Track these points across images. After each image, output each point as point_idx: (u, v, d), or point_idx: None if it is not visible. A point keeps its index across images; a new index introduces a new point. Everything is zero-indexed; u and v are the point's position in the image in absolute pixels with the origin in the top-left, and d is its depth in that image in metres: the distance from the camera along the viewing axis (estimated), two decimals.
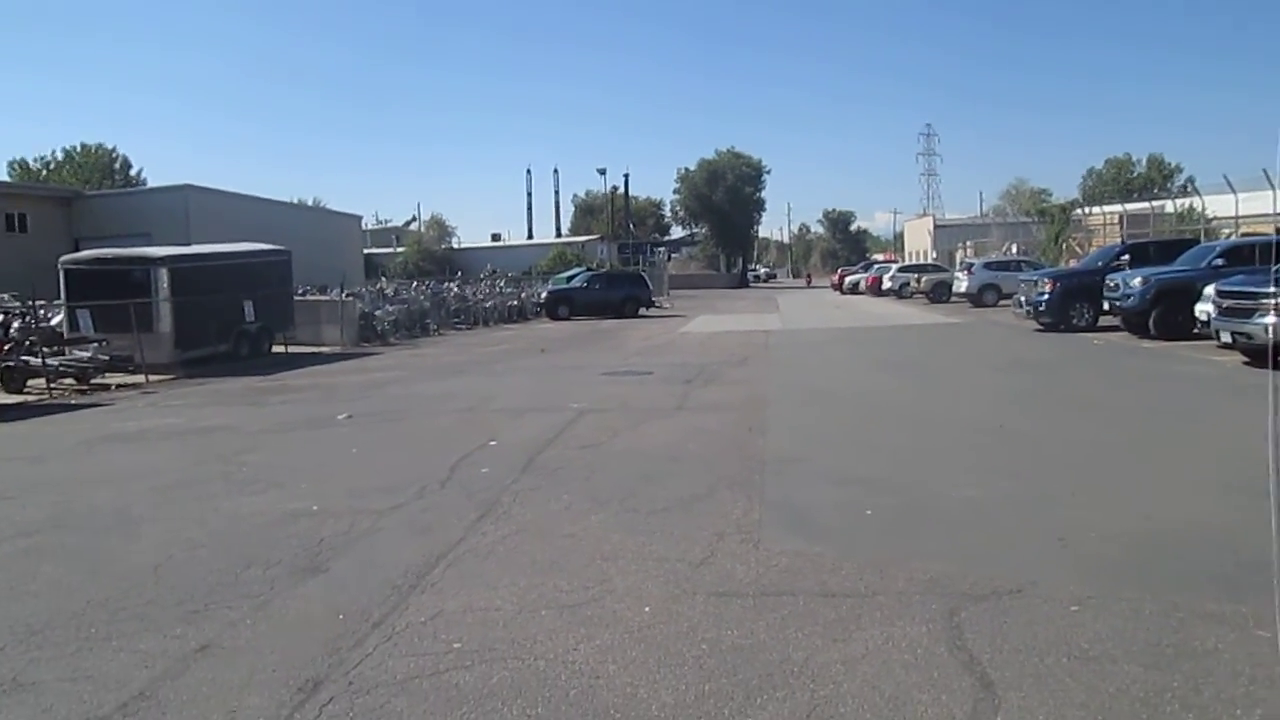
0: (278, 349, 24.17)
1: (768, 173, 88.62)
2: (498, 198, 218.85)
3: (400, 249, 74.31)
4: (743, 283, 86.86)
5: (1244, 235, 28.43)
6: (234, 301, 22.55)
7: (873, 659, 4.36)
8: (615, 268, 57.96)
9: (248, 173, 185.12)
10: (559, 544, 6.44)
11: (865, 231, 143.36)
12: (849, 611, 4.97)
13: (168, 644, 4.83)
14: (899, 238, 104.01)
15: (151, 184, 64.60)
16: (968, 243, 62.25)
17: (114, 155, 77.09)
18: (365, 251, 63.92)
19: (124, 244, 26.29)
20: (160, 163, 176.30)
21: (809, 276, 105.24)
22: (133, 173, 77.16)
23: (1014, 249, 50.67)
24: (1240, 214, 34.64)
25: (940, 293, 42.98)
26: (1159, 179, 78.87)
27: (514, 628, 4.91)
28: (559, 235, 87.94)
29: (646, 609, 5.12)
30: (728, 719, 3.85)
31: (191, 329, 21.03)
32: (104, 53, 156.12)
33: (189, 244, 27.98)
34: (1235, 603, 4.84)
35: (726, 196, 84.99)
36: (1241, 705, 3.79)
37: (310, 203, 73.71)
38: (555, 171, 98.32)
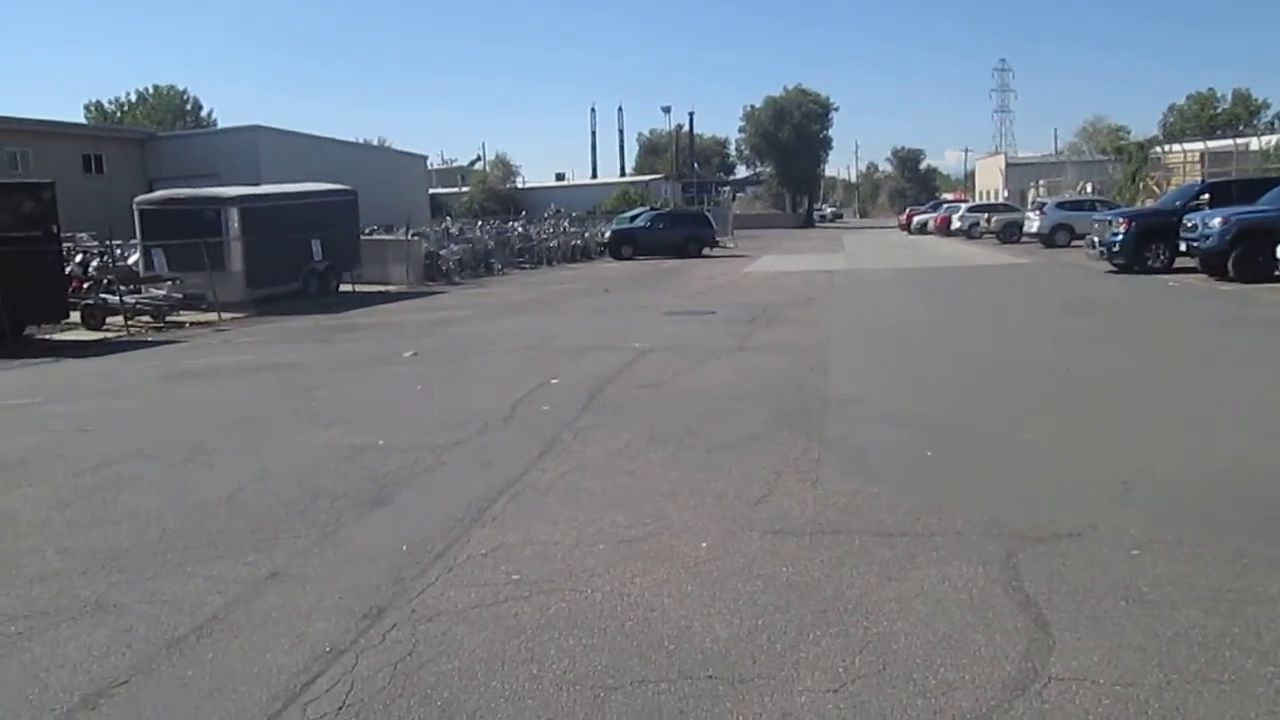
0: (345, 288, 24.54)
1: (835, 110, 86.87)
2: (562, 137, 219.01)
3: (465, 189, 74.38)
4: (809, 223, 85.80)
5: None
6: (302, 241, 22.87)
7: (927, 598, 4.37)
8: (679, 207, 57.49)
9: (314, 113, 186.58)
10: (618, 480, 6.52)
11: (935, 170, 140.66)
12: (905, 551, 4.97)
13: (240, 570, 5.01)
14: (969, 176, 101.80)
15: (222, 125, 65.48)
16: (1040, 182, 60.71)
17: (185, 96, 78.34)
18: (430, 191, 64.14)
19: (196, 184, 26.61)
20: (229, 103, 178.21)
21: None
22: (204, 114, 78.32)
23: (1088, 188, 49.36)
24: None
25: (1010, 233, 42.09)
26: (1244, 115, 75.77)
27: (572, 561, 5.00)
28: (623, 174, 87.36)
29: (703, 545, 5.18)
30: (780, 653, 3.90)
31: (262, 268, 21.41)
32: None
33: (258, 184, 28.36)
34: None
35: (793, 135, 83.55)
36: None
37: (376, 143, 74.17)
38: (619, 110, 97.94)
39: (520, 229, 38.78)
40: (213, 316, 18.89)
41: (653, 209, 47.73)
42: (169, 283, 19.48)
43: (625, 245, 38.96)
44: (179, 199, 22.40)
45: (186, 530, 5.71)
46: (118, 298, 17.99)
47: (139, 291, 19.12)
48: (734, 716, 3.43)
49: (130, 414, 9.79)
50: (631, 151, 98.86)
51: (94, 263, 20.76)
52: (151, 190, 27.40)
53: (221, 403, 10.20)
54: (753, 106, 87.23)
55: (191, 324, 18.41)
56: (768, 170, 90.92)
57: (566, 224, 43.95)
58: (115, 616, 4.48)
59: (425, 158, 64.88)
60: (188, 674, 3.89)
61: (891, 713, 3.41)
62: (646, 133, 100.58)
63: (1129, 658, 3.74)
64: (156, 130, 56.80)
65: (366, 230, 29.68)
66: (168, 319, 18.51)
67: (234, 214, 21.14)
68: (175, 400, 10.59)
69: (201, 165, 39.36)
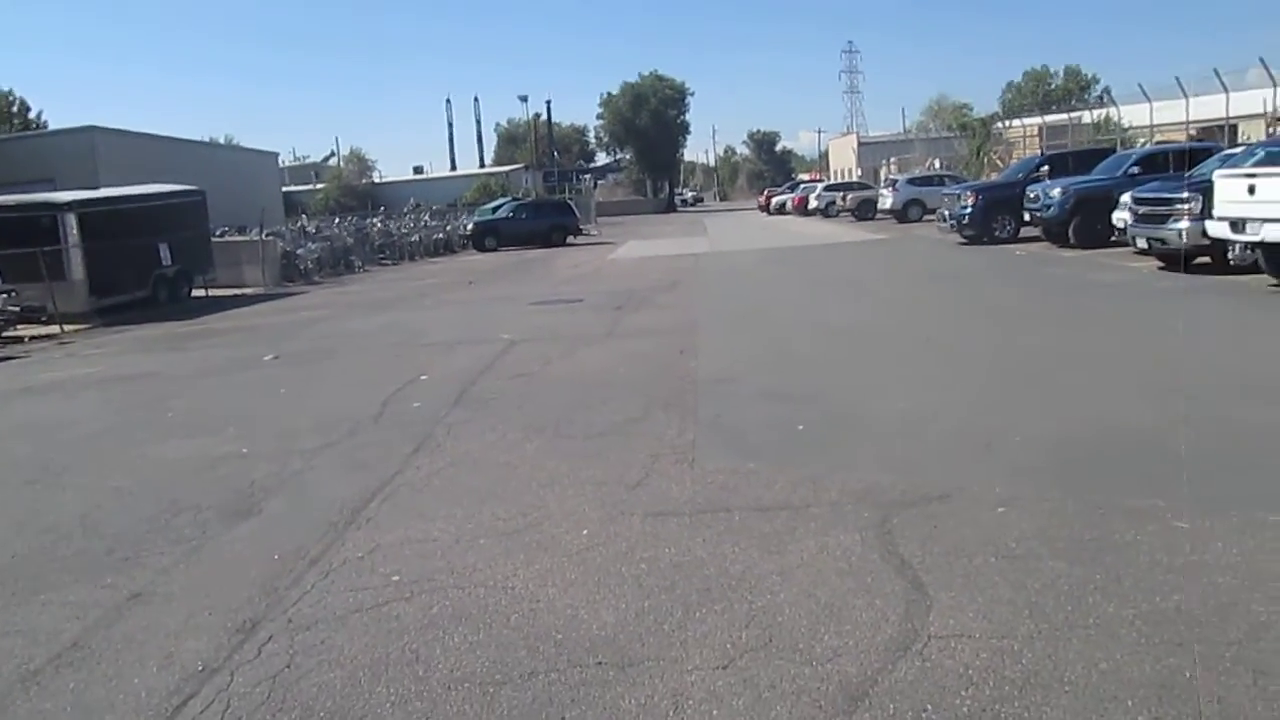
0: (198, 293, 23.54)
1: (691, 95, 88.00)
2: (418, 130, 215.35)
3: (320, 185, 72.18)
4: (670, 207, 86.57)
5: (1158, 143, 28.99)
6: (149, 245, 21.79)
7: (808, 568, 4.45)
8: (541, 196, 57.12)
9: (154, 116, 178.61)
10: (495, 473, 6.44)
11: (791, 152, 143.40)
12: (784, 524, 5.05)
13: (99, 594, 4.74)
14: (824, 157, 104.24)
15: (54, 127, 61.90)
16: (892, 159, 62.66)
17: (11, 98, 73.56)
18: (284, 189, 62.03)
19: (28, 190, 25.06)
20: (61, 110, 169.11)
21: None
22: (32, 116, 73.81)
23: (937, 164, 51.13)
24: (1155, 123, 35.29)
25: (866, 210, 43.27)
26: (1076, 90, 79.58)
27: (452, 557, 4.91)
28: (482, 166, 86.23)
29: (584, 532, 5.15)
30: (668, 634, 3.91)
31: (106, 275, 20.30)
32: None
33: (98, 187, 26.90)
34: (1154, 497, 5.01)
35: (650, 120, 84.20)
36: (1160, 592, 3.95)
37: (224, 141, 71.32)
38: (476, 100, 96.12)
39: (380, 224, 37.90)
40: (55, 329, 17.86)
41: (514, 199, 47.27)
42: (3, 295, 18.29)
43: (488, 237, 38.58)
44: (8, 205, 20.90)
45: (38, 555, 5.38)
46: None
47: None
48: (626, 700, 3.42)
49: None
50: (490, 142, 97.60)
51: None
52: None
53: (69, 418, 9.66)
54: (610, 94, 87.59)
55: (31, 338, 17.37)
56: (627, 157, 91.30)
57: (427, 218, 43.23)
58: None
59: (276, 155, 62.63)
60: (46, 708, 3.67)
61: (779, 684, 3.45)
62: (504, 123, 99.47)
63: (1001, 611, 3.88)
64: None
65: (218, 232, 28.54)
66: (3, 334, 17.40)
67: (72, 220, 19.94)
68: (18, 418, 9.99)
69: (33, 169, 37.02)
